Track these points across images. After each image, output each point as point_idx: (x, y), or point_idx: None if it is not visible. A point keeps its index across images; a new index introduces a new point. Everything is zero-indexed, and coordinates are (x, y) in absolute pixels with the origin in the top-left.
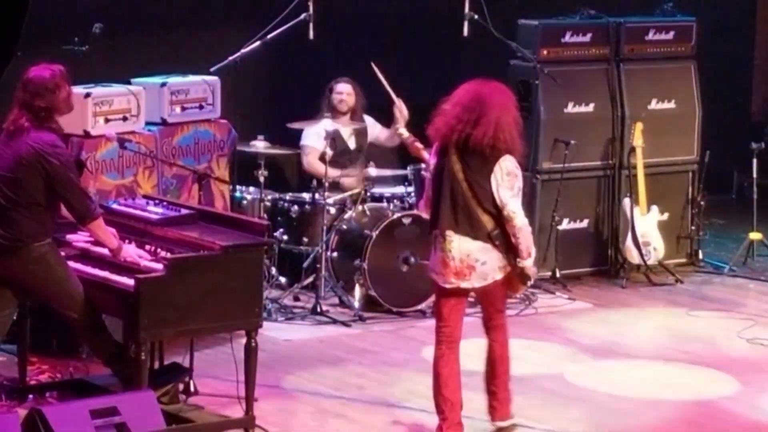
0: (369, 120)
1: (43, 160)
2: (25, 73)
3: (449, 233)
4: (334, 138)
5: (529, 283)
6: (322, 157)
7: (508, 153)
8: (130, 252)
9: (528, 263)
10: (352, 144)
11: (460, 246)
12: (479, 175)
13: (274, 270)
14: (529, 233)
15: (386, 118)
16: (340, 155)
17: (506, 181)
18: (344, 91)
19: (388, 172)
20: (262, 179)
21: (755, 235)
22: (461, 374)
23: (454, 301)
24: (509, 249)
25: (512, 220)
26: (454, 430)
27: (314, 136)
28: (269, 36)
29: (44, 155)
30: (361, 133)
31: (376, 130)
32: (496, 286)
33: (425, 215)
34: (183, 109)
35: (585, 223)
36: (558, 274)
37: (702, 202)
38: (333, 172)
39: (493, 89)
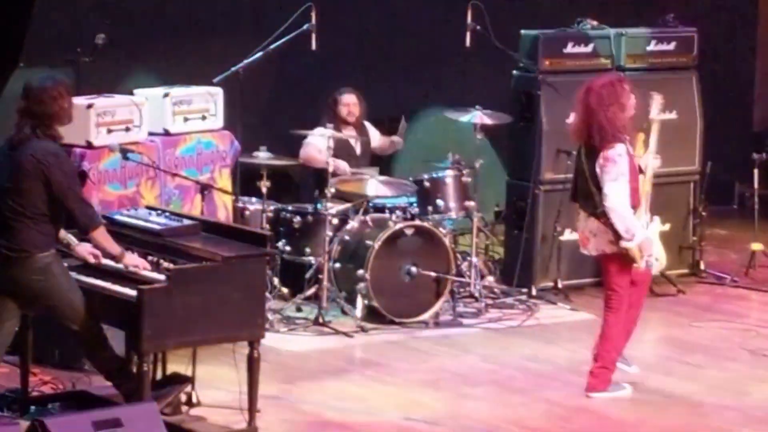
0: (370, 127)
1: (45, 169)
2: (27, 83)
3: (578, 207)
4: (341, 146)
5: (638, 265)
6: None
7: (616, 142)
8: (133, 259)
9: (628, 245)
10: (358, 150)
11: (581, 219)
12: (593, 162)
13: (276, 281)
14: (624, 217)
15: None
16: (348, 162)
17: (605, 166)
18: (351, 102)
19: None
20: (264, 190)
21: (757, 246)
22: None
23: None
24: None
25: (604, 201)
26: (601, 370)
27: (319, 136)
28: (272, 46)
29: (46, 164)
30: (366, 142)
31: (376, 139)
32: (607, 260)
33: None
34: (186, 119)
35: None
36: (560, 285)
37: (704, 213)
38: (334, 163)
39: (594, 89)
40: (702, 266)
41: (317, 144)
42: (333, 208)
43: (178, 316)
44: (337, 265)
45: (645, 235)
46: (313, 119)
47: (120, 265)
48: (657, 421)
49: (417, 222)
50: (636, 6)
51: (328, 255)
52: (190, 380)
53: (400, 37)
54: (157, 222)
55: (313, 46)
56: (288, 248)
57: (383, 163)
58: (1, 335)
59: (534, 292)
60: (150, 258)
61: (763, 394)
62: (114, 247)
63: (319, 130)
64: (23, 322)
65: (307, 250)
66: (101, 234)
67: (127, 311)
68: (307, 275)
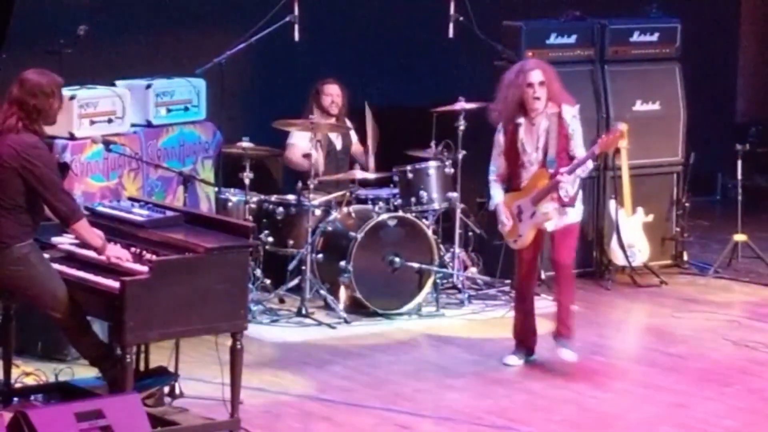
0: (350, 125)
1: (25, 162)
2: (23, 73)
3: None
4: (320, 139)
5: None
6: (305, 156)
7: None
8: (115, 251)
9: None
10: (338, 144)
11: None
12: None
13: (259, 272)
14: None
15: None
16: (326, 156)
17: None
18: (334, 93)
19: (372, 176)
20: (247, 181)
21: (740, 237)
22: None
23: None
24: None
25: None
26: None
27: (300, 135)
28: (254, 38)
29: (26, 157)
30: (346, 135)
31: (354, 137)
32: None
33: None
34: (168, 110)
35: None
36: (543, 276)
37: (687, 204)
38: (315, 165)
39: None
40: (685, 257)
41: (300, 145)
42: (316, 199)
43: (160, 307)
44: (320, 256)
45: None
46: (295, 110)
47: (102, 257)
48: (640, 412)
49: (400, 213)
50: None
51: (310, 246)
52: (175, 376)
53: (383, 28)
54: (139, 213)
55: (296, 37)
56: (271, 239)
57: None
58: None
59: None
60: (132, 249)
61: (746, 385)
62: (96, 240)
63: (299, 124)
64: (5, 314)
65: (290, 241)
66: (82, 227)
67: (110, 303)
68: (290, 267)
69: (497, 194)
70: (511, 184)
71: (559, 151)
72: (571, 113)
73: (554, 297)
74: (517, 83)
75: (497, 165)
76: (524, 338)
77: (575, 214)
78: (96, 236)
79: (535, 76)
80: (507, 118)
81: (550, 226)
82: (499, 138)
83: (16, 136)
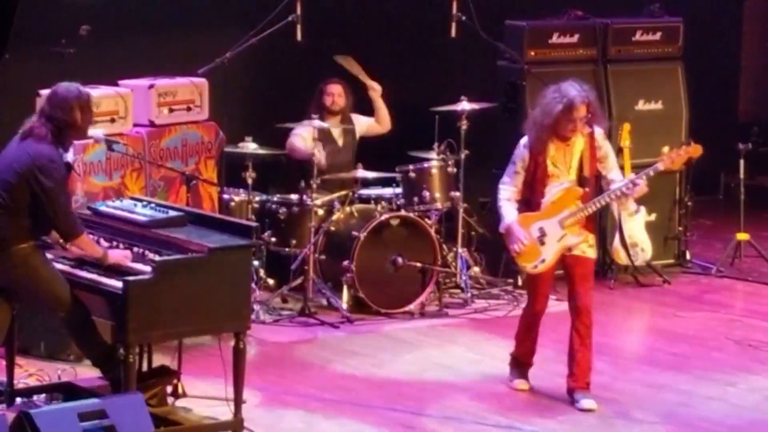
0: (356, 118)
1: (37, 172)
2: (54, 86)
3: None
4: (322, 138)
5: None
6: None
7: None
8: (116, 256)
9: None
10: (340, 142)
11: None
12: None
13: (262, 272)
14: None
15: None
16: (328, 154)
17: None
18: (335, 92)
19: (376, 174)
20: (249, 181)
21: (742, 236)
22: None
23: None
24: None
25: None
26: None
27: (305, 128)
28: (257, 38)
29: (38, 169)
30: (349, 133)
31: (364, 126)
32: None
33: None
34: (171, 110)
35: None
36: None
37: (689, 203)
38: (318, 155)
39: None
40: (687, 256)
41: (303, 134)
42: (318, 198)
43: (164, 307)
44: (323, 256)
45: (506, 225)
46: (298, 110)
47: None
48: (642, 412)
49: (403, 212)
50: None
51: (313, 246)
52: (176, 374)
53: (385, 28)
54: (142, 213)
55: (299, 37)
56: (273, 239)
57: (367, 156)
58: None
59: (520, 282)
60: (135, 249)
61: (749, 384)
62: (96, 251)
63: (305, 123)
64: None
65: (293, 241)
66: (83, 241)
67: (113, 303)
68: (293, 266)
69: (510, 214)
70: (528, 204)
71: (591, 173)
72: (602, 134)
73: (573, 347)
74: (557, 117)
75: (516, 183)
76: (529, 360)
77: (593, 251)
78: (96, 248)
79: (581, 112)
80: (538, 140)
81: (577, 251)
82: (524, 153)
83: (37, 144)
